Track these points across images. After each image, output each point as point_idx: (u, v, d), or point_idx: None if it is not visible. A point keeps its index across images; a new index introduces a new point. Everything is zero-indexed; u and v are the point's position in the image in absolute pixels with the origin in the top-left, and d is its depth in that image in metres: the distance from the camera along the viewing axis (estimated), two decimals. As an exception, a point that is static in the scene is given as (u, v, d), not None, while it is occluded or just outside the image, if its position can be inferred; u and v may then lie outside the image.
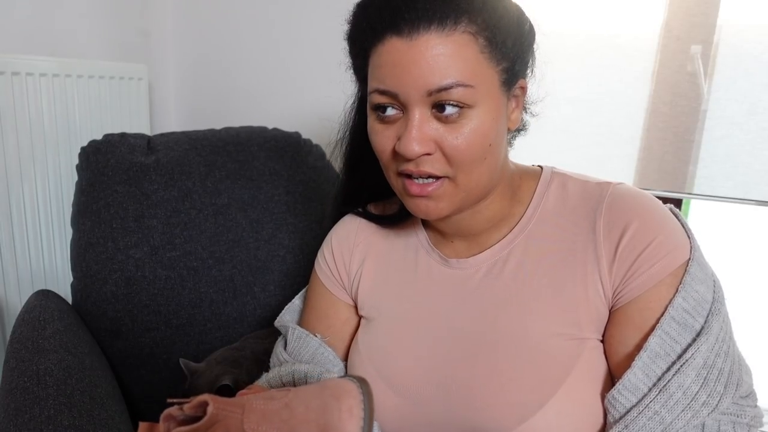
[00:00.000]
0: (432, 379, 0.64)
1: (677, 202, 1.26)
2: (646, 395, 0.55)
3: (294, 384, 0.70)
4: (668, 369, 0.55)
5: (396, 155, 0.60)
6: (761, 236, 1.53)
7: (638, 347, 0.57)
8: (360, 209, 0.78)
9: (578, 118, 1.25)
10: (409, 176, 0.60)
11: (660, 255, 0.57)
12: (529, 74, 0.65)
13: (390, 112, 0.59)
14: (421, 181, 0.60)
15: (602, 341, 0.61)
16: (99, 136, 1.02)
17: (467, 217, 0.66)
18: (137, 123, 1.43)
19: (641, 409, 0.54)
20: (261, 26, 1.53)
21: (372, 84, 0.60)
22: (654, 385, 0.55)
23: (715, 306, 0.57)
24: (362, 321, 0.75)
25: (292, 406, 0.50)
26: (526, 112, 0.68)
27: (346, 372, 0.75)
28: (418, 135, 0.56)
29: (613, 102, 1.23)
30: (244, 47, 1.57)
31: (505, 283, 0.65)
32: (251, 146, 1.11)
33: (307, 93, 1.52)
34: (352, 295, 0.77)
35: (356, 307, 0.77)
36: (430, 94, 0.56)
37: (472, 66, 0.56)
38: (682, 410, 0.53)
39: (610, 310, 0.61)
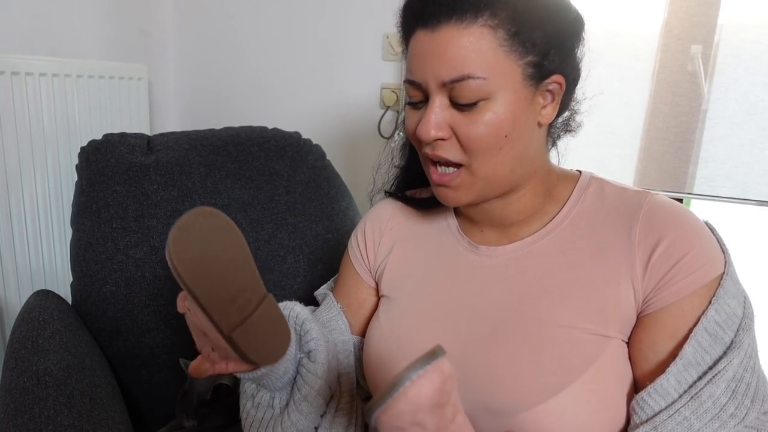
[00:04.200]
0: (450, 357, 0.64)
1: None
2: (676, 401, 0.56)
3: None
4: (700, 378, 0.56)
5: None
6: (761, 236, 1.53)
7: (670, 354, 0.58)
8: (399, 193, 0.82)
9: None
10: (434, 164, 0.65)
11: (695, 266, 0.58)
12: (570, 69, 0.64)
13: (417, 99, 0.64)
14: (441, 169, 0.64)
15: (627, 343, 0.62)
16: (99, 136, 1.02)
17: (498, 206, 0.68)
18: (137, 123, 1.43)
19: (671, 413, 0.55)
20: (261, 26, 1.53)
21: (405, 75, 0.65)
22: (685, 392, 0.56)
23: (745, 321, 0.58)
24: (383, 299, 0.77)
25: None
26: (568, 109, 0.69)
27: (362, 347, 0.77)
28: (434, 119, 0.61)
29: (613, 102, 1.23)
30: (244, 47, 1.57)
31: (532, 274, 0.66)
32: (251, 146, 1.11)
33: (307, 93, 1.52)
34: (376, 277, 0.80)
35: (377, 289, 0.80)
36: (444, 84, 0.59)
37: (487, 58, 0.58)
38: (710, 419, 0.54)
39: (638, 315, 0.61)
